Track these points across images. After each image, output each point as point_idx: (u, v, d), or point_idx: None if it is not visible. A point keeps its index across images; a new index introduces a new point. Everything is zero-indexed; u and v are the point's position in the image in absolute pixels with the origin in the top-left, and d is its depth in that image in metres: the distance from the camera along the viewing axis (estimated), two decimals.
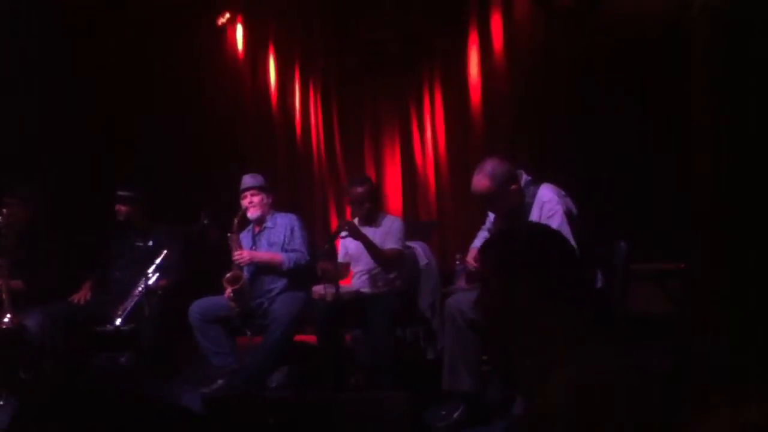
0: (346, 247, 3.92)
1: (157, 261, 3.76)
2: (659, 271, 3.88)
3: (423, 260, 3.90)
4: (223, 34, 5.59)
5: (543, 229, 1.53)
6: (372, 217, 3.82)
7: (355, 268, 3.88)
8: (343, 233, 3.60)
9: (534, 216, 2.96)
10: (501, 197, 2.96)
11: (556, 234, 1.47)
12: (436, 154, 5.39)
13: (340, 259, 3.93)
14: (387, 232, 3.75)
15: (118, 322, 3.73)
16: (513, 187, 2.97)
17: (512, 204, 2.99)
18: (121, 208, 4.10)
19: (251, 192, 3.94)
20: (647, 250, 3.76)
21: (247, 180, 3.99)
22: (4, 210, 3.77)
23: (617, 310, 3.08)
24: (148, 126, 4.98)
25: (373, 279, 3.77)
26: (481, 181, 2.96)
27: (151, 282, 3.75)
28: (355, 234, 3.57)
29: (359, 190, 3.77)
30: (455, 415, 3.04)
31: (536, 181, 3.04)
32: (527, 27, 4.87)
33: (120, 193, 4.13)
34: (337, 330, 3.66)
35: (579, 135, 4.43)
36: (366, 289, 3.77)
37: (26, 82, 4.40)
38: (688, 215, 3.35)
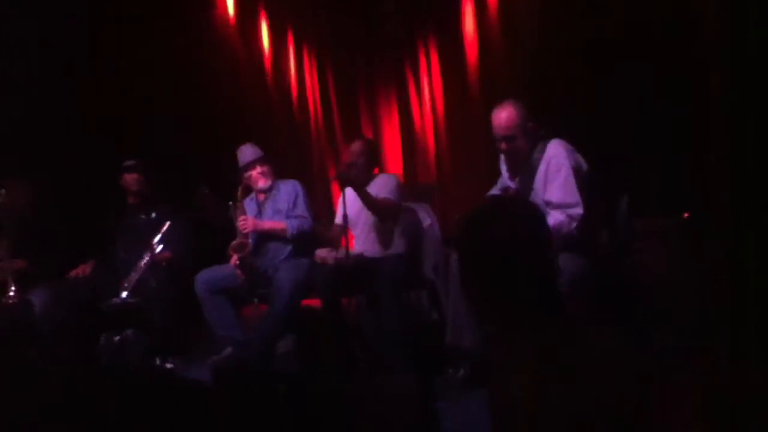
0: (346, 208, 3.93)
1: (161, 232, 3.79)
2: (661, 227, 3.87)
3: (426, 221, 3.89)
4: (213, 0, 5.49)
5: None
6: (366, 175, 3.82)
7: (354, 231, 3.90)
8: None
9: (541, 171, 3.00)
10: (521, 133, 3.02)
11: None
12: (435, 115, 5.34)
13: (336, 221, 3.97)
14: (381, 188, 3.76)
15: (124, 294, 3.76)
16: (530, 124, 3.04)
17: (527, 145, 3.04)
18: (135, 177, 4.11)
19: (259, 163, 3.96)
20: (648, 205, 3.75)
21: (251, 152, 3.99)
22: (3, 191, 3.76)
23: (622, 268, 3.10)
24: (140, 97, 4.90)
25: (375, 235, 3.77)
26: (505, 109, 3.03)
27: (156, 253, 3.78)
28: (348, 183, 3.59)
29: (353, 148, 3.86)
30: (459, 374, 3.09)
31: (547, 137, 3.06)
32: None
33: (128, 163, 4.13)
34: (340, 295, 3.67)
35: (578, 92, 4.37)
36: (369, 250, 3.78)
37: (24, 63, 4.34)
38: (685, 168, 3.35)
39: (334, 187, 5.35)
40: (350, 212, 3.86)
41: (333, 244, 3.86)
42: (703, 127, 2.43)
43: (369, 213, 3.70)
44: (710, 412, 1.10)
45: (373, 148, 4.01)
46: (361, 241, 3.85)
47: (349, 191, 3.64)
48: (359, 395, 2.14)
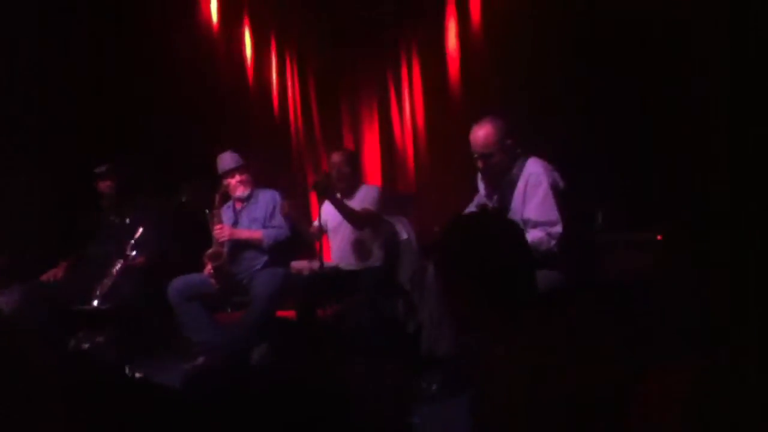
0: (324, 218, 3.91)
1: (134, 238, 3.74)
2: (636, 242, 3.89)
3: (403, 234, 3.89)
4: (197, 4, 5.44)
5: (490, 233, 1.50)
6: (349, 187, 3.82)
7: (333, 240, 3.88)
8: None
9: (519, 188, 2.98)
10: (499, 150, 3.00)
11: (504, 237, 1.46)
12: (415, 125, 5.35)
13: (315, 223, 3.96)
14: (363, 200, 3.75)
15: (96, 302, 3.70)
16: (509, 141, 3.00)
17: (505, 163, 3.02)
18: (107, 183, 4.07)
19: (239, 171, 3.93)
20: (624, 220, 3.77)
21: (231, 160, 3.96)
22: None
23: (591, 278, 3.11)
24: (118, 99, 4.84)
25: (353, 248, 3.75)
26: (483, 127, 3.01)
27: (129, 260, 3.73)
28: (325, 192, 3.55)
29: (335, 159, 3.85)
30: (434, 386, 3.07)
31: (524, 155, 3.05)
32: None
33: (99, 170, 4.09)
34: (315, 305, 3.65)
35: (561, 104, 4.37)
36: (345, 262, 3.75)
37: (24, 63, 4.29)
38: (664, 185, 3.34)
39: (312, 196, 5.33)
40: (331, 223, 3.85)
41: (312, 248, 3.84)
42: (703, 127, 2.44)
43: (348, 225, 3.69)
44: (710, 412, 1.09)
45: (355, 159, 4.01)
46: (339, 252, 3.83)
47: (327, 203, 3.63)
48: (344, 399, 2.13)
